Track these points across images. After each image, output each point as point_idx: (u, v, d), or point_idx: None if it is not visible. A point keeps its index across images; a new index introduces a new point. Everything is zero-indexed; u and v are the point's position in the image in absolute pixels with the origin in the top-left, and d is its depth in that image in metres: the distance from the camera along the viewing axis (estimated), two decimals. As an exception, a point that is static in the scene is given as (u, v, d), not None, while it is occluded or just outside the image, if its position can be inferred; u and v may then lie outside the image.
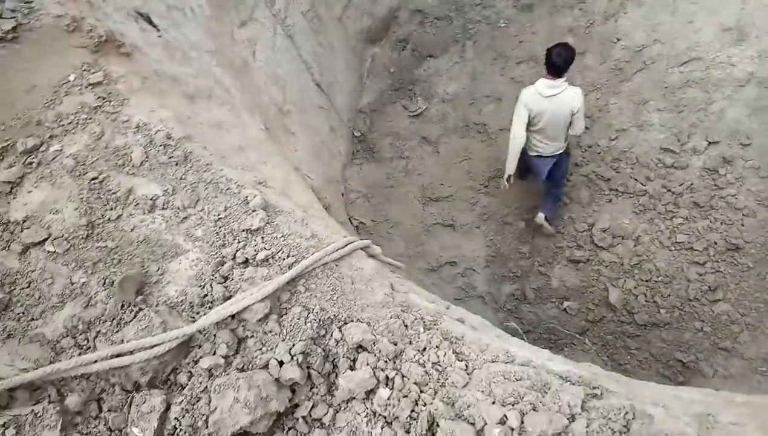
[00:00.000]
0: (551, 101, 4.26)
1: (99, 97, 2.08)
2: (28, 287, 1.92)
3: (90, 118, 2.05)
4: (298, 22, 4.40)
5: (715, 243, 4.69)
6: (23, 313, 1.89)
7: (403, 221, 5.42)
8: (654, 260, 4.80)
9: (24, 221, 1.96)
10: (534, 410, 1.70)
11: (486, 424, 1.69)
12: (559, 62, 4.13)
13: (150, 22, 2.43)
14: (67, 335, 1.89)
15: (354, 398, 1.90)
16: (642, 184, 5.00)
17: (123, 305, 1.91)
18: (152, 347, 1.74)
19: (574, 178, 5.21)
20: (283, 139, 4.10)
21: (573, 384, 1.77)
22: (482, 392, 1.79)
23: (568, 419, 1.66)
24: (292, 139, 4.30)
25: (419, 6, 5.82)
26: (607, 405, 1.69)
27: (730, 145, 4.86)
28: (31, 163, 1.99)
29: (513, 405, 1.72)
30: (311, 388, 1.94)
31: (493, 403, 1.74)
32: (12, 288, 1.91)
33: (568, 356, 4.59)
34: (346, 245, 2.10)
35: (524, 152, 4.61)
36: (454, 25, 5.80)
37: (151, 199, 2.03)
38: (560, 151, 4.65)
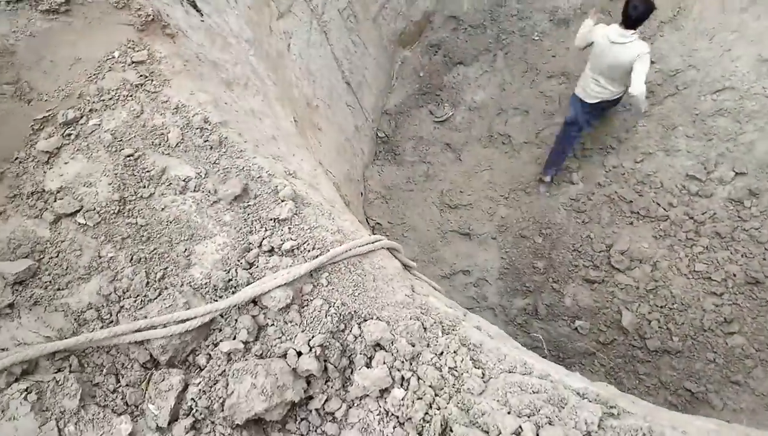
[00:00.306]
0: (615, 48, 4.29)
1: (141, 76, 2.10)
2: (57, 256, 1.95)
3: (130, 96, 2.08)
4: (334, 19, 4.42)
5: (734, 275, 4.63)
6: (50, 282, 1.91)
7: (420, 225, 5.41)
8: (671, 286, 4.75)
9: (58, 192, 1.99)
10: (550, 423, 1.69)
11: (500, 433, 1.68)
12: (634, 15, 4.13)
13: (194, 6, 2.46)
14: (91, 308, 1.91)
15: (368, 395, 1.90)
16: (664, 209, 4.95)
17: (148, 283, 1.93)
18: (182, 321, 1.76)
19: (596, 198, 5.18)
20: (310, 133, 4.12)
21: (590, 402, 1.76)
22: (498, 401, 1.78)
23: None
24: (318, 135, 4.33)
25: (454, 12, 5.82)
26: (625, 425, 1.68)
27: (757, 177, 4.80)
28: (69, 135, 2.03)
29: (529, 417, 1.71)
30: (326, 381, 1.94)
31: (509, 413, 1.73)
32: (41, 257, 1.94)
33: (575, 375, 4.55)
34: (373, 242, 2.10)
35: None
36: (488, 34, 5.80)
37: (183, 180, 2.05)
38: (604, 100, 4.67)
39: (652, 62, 5.39)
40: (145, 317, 1.86)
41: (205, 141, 2.09)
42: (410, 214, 5.43)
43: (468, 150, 5.61)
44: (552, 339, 4.85)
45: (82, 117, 2.05)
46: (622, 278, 4.87)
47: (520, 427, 1.67)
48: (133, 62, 2.11)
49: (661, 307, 4.70)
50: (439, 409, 1.80)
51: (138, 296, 1.92)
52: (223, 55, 2.57)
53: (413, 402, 1.83)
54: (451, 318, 2.10)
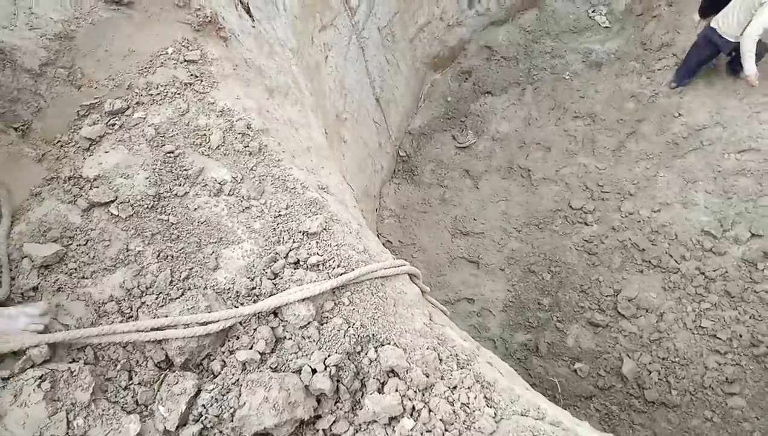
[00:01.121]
0: None
1: (191, 75, 2.12)
2: (86, 244, 1.95)
3: (178, 93, 2.09)
4: (373, 36, 4.47)
5: (741, 336, 4.60)
6: (76, 269, 1.91)
7: (430, 248, 5.41)
8: (675, 339, 4.72)
9: (95, 180, 2.00)
10: (560, 474, 1.67)
11: (509, 479, 1.66)
12: None
13: (248, 11, 2.49)
14: (113, 300, 1.90)
15: (376, 421, 1.89)
16: (676, 261, 4.95)
17: (172, 281, 1.92)
18: (204, 323, 1.76)
19: (609, 242, 5.17)
20: (336, 145, 4.14)
21: (602, 456, 1.74)
22: (509, 444, 1.76)
23: (594, 490, 1.62)
24: (343, 148, 4.35)
25: (489, 43, 5.88)
26: (636, 487, 1.66)
27: (774, 242, 4.79)
28: (113, 125, 2.04)
29: (539, 465, 1.70)
30: (336, 402, 1.92)
31: (520, 458, 1.71)
32: (69, 243, 1.94)
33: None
34: (398, 266, 2.10)
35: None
36: (520, 67, 5.84)
37: (219, 183, 2.06)
38: (726, 39, 4.81)
39: (679, 114, 5.45)
40: (166, 316, 1.85)
41: (246, 147, 2.10)
42: (421, 236, 5.43)
43: (486, 179, 5.62)
44: (549, 378, 4.81)
45: (128, 108, 2.06)
46: (627, 325, 4.84)
47: (530, 474, 1.66)
48: (185, 60, 2.13)
49: (663, 359, 4.67)
50: (448, 445, 1.78)
51: (161, 293, 1.92)
52: (268, 62, 2.59)
53: (422, 434, 1.81)
54: (466, 352, 2.09)
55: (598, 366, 4.80)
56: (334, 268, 2.08)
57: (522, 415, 1.90)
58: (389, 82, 5.11)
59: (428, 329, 2.12)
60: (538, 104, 5.74)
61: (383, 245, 5.30)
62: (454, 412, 1.87)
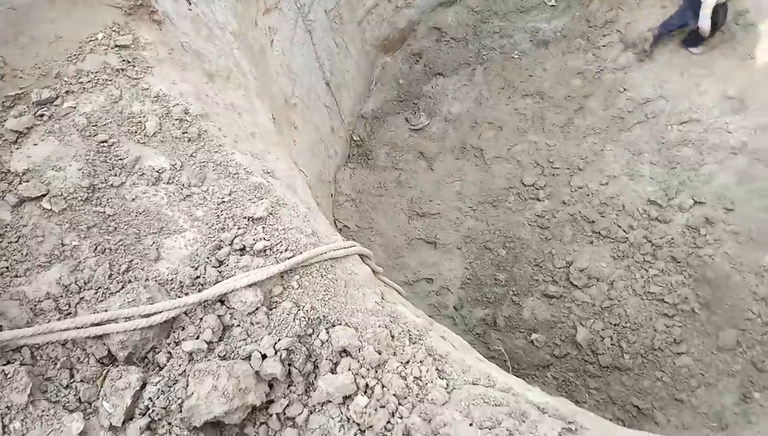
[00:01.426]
0: None
1: (123, 61, 2.04)
2: (17, 241, 1.87)
3: (110, 80, 2.02)
4: (319, 19, 4.41)
5: (686, 298, 4.82)
6: (7, 268, 1.83)
7: (387, 231, 5.43)
8: (625, 305, 4.91)
9: (24, 174, 1.91)
10: (510, 437, 1.73)
11: (461, 445, 1.71)
12: None
13: (181, -6, 2.41)
14: (49, 298, 1.84)
15: (330, 401, 1.90)
16: (624, 231, 5.13)
17: (111, 275, 1.87)
18: (147, 315, 1.71)
19: (560, 215, 5.31)
20: (286, 131, 4.09)
21: (550, 417, 1.80)
22: (460, 412, 1.80)
23: (542, 451, 1.68)
24: (294, 133, 4.30)
25: (439, 24, 5.88)
26: (581, 443, 1.73)
27: (714, 207, 5.02)
28: (42, 116, 1.95)
29: (490, 429, 1.74)
30: (289, 386, 1.92)
31: (471, 425, 1.76)
32: (0, 240, 1.86)
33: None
34: (347, 248, 2.10)
35: None
36: (469, 48, 5.88)
37: (157, 171, 2.00)
38: None
39: (624, 89, 5.61)
40: (106, 311, 1.80)
41: (184, 133, 2.05)
42: (378, 219, 5.45)
43: (440, 160, 5.66)
44: (508, 350, 4.94)
45: (57, 98, 1.97)
46: (580, 295, 5.00)
47: (481, 439, 1.70)
48: (116, 46, 2.04)
49: (615, 325, 4.85)
50: (401, 418, 1.81)
51: (100, 288, 1.86)
52: (207, 46, 2.53)
53: (376, 410, 1.83)
54: (419, 327, 2.12)
55: (553, 336, 4.96)
56: (281, 252, 2.06)
57: (473, 384, 1.94)
58: (339, 66, 5.06)
59: (380, 307, 2.14)
60: (489, 84, 5.81)
61: (340, 230, 5.31)
62: (407, 386, 1.90)
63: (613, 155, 5.38)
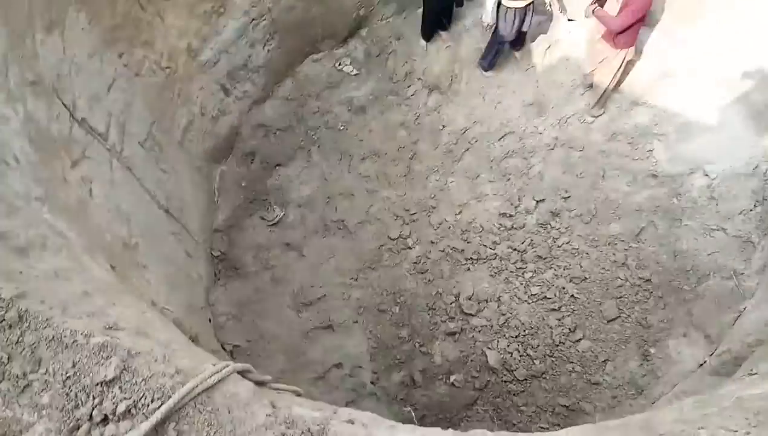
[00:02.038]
0: None
1: None
2: None
3: None
4: (136, 153, 4.32)
5: (563, 288, 5.21)
6: None
7: (280, 333, 5.26)
8: (518, 315, 5.18)
9: None
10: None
11: None
12: None
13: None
14: None
15: None
16: (491, 248, 5.47)
17: None
18: None
19: (433, 255, 5.54)
20: (134, 274, 3.87)
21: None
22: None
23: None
24: (145, 273, 4.07)
25: (261, 121, 6.04)
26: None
27: (554, 200, 5.57)
28: None
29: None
30: None
31: None
32: None
33: (465, 427, 4.65)
34: (220, 371, 1.98)
35: None
36: (297, 133, 6.09)
37: (-24, 379, 1.76)
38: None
39: (443, 126, 6.12)
40: None
41: (2, 321, 1.87)
42: (267, 326, 5.26)
43: (308, 245, 5.68)
44: (434, 403, 4.92)
45: None
46: (477, 321, 5.19)
47: None
48: None
49: (516, 336, 5.07)
50: None
51: None
52: (10, 222, 2.36)
53: None
54: (319, 422, 2.04)
55: (469, 370, 5.04)
56: (147, 405, 1.89)
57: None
58: (173, 191, 4.94)
59: (273, 418, 2.02)
60: (327, 159, 6.02)
61: (230, 352, 5.03)
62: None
63: (456, 186, 5.79)
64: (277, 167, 6.06)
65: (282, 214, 5.84)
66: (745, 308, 4.49)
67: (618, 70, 5.30)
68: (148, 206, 4.60)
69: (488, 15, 5.59)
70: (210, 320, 5.03)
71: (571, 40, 6.01)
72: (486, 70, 6.13)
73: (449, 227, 5.63)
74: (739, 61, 4.98)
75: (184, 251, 4.98)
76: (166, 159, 4.98)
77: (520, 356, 4.99)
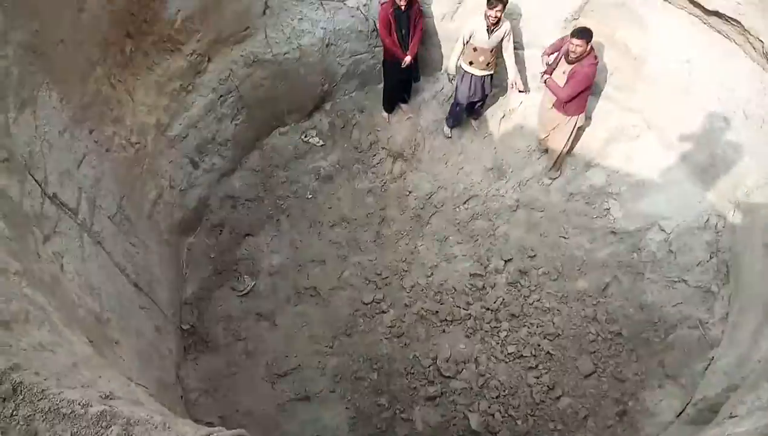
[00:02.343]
0: None
1: None
2: None
3: None
4: (106, 227, 4.25)
5: (539, 345, 5.30)
6: None
7: (255, 407, 5.04)
8: (496, 375, 5.19)
9: None
10: None
11: None
12: None
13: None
14: None
15: None
16: (465, 309, 5.55)
17: None
18: None
19: (408, 318, 5.55)
20: (107, 350, 3.71)
21: None
22: None
23: None
24: (117, 349, 3.91)
25: (229, 192, 6.07)
26: None
27: (521, 259, 5.76)
28: None
29: None
30: None
31: None
32: None
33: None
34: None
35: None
36: (266, 203, 6.13)
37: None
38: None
39: (410, 192, 6.32)
40: None
41: None
42: (241, 400, 5.04)
43: (280, 314, 5.59)
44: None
45: None
46: (456, 384, 5.16)
47: None
48: None
49: (496, 397, 5.06)
50: None
51: None
52: (-9, 296, 2.27)
53: None
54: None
55: (451, 434, 4.95)
56: None
57: None
58: (142, 265, 4.82)
59: None
60: (297, 227, 6.06)
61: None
62: None
63: (426, 249, 5.92)
64: (246, 237, 6.03)
65: (253, 284, 5.76)
66: (713, 358, 4.68)
67: (570, 135, 5.72)
68: (118, 280, 4.48)
69: (450, 68, 6.00)
70: (182, 397, 4.78)
71: (523, 109, 6.47)
72: (451, 128, 6.47)
73: (422, 290, 5.69)
74: (678, 124, 5.48)
75: (154, 326, 4.81)
76: (136, 232, 4.91)
77: (502, 417, 4.96)
